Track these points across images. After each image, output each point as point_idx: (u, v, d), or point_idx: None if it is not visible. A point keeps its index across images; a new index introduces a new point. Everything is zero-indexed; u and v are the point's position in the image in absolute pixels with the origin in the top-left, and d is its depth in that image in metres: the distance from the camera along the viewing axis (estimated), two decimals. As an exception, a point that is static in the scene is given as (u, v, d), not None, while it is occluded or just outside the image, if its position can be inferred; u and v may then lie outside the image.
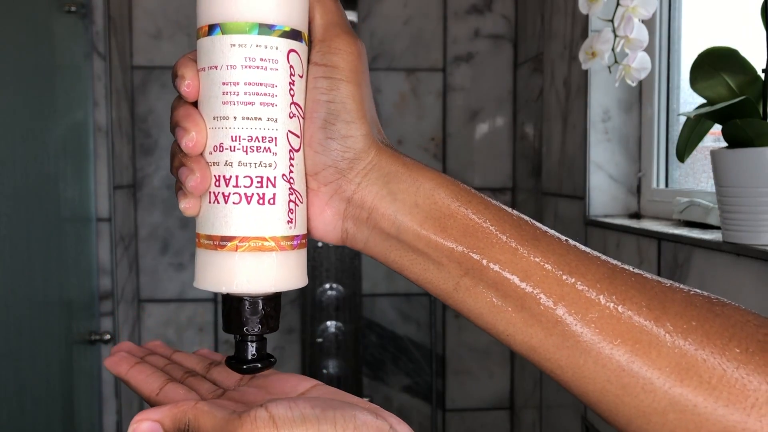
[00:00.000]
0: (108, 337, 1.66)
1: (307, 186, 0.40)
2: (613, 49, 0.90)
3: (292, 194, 0.38)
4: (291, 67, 0.37)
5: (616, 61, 0.92)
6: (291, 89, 0.38)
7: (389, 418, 0.36)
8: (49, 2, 1.46)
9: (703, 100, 0.92)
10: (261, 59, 0.36)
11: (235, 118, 0.37)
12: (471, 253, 0.38)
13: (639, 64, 0.91)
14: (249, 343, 0.39)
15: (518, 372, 2.03)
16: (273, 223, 0.38)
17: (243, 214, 0.37)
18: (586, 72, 1.42)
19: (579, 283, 0.37)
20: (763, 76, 0.84)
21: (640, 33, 0.89)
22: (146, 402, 0.43)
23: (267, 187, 0.37)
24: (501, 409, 2.10)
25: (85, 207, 1.64)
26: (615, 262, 0.39)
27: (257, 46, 0.36)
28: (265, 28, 0.36)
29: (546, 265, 0.38)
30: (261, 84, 0.37)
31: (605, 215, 1.43)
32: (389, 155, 0.41)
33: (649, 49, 1.05)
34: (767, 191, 0.84)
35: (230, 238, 0.37)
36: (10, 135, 1.27)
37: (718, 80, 0.87)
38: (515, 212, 0.40)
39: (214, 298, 1.99)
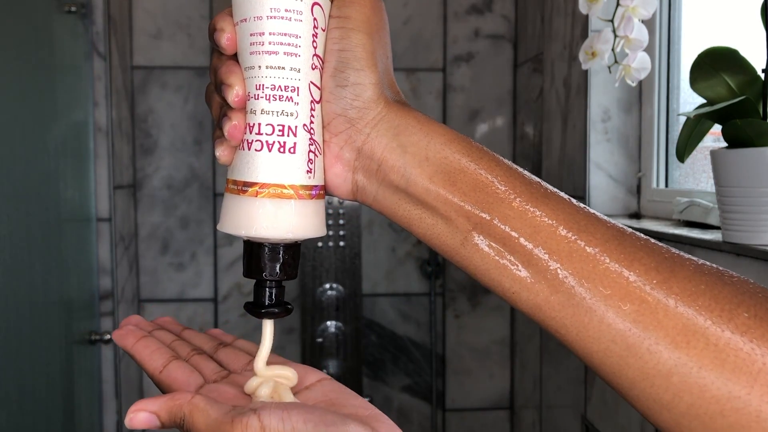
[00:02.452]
0: (108, 337, 1.66)
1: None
2: (613, 49, 0.90)
3: (312, 144, 0.39)
4: (315, 19, 0.38)
5: (616, 61, 0.92)
6: (314, 41, 0.39)
7: (384, 430, 0.36)
8: (49, 2, 1.46)
9: (703, 100, 0.92)
10: (285, 10, 0.38)
11: (260, 67, 0.38)
12: (479, 209, 0.38)
13: (639, 64, 0.91)
14: (267, 288, 0.40)
15: (518, 372, 2.03)
16: (293, 171, 0.38)
17: (264, 161, 0.38)
18: (586, 72, 1.42)
19: (586, 242, 0.37)
20: (762, 76, 0.84)
21: (640, 33, 0.89)
22: (150, 378, 0.43)
23: (288, 136, 0.38)
24: (501, 409, 2.10)
25: (86, 207, 1.64)
26: (624, 226, 0.39)
27: None
28: None
29: (554, 223, 0.37)
30: (285, 34, 0.38)
31: (605, 215, 1.43)
32: (400, 107, 0.40)
33: (649, 49, 1.05)
34: (767, 191, 0.84)
35: (252, 184, 0.38)
36: (10, 135, 1.27)
37: (718, 80, 0.87)
38: (526, 172, 0.39)
39: (214, 298, 1.99)
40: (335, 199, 1.87)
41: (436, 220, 0.39)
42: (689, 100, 1.30)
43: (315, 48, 0.39)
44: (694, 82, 0.90)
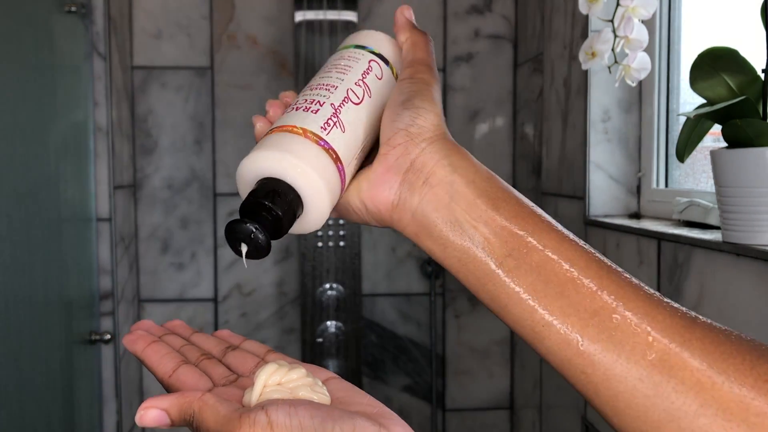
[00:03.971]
0: (108, 337, 1.66)
1: (365, 142, 0.47)
2: (613, 50, 0.90)
3: (334, 117, 0.45)
4: (369, 66, 0.50)
5: (616, 62, 0.92)
6: (364, 75, 0.49)
7: (394, 428, 0.36)
8: (49, 2, 1.46)
9: (702, 100, 0.92)
10: (348, 56, 0.50)
11: (320, 76, 0.49)
12: (519, 231, 0.40)
13: (639, 64, 0.91)
14: (253, 214, 0.41)
15: (518, 372, 2.03)
16: (307, 120, 0.44)
17: (291, 115, 0.45)
18: (586, 72, 1.42)
19: (622, 271, 0.38)
20: (762, 76, 0.84)
21: (639, 33, 0.89)
22: (159, 383, 0.43)
23: (315, 104, 0.45)
24: (501, 409, 2.10)
25: (86, 207, 1.64)
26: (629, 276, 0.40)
27: (351, 49, 0.51)
28: (361, 47, 0.51)
29: (591, 253, 0.39)
30: (340, 63, 0.49)
31: (605, 215, 1.43)
32: (454, 142, 0.45)
33: (649, 50, 1.05)
34: (767, 191, 0.84)
35: (275, 128, 0.44)
36: (11, 135, 1.27)
37: (718, 80, 0.87)
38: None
39: (214, 298, 1.99)
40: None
41: (472, 243, 0.40)
42: (689, 100, 1.30)
43: (362, 78, 0.48)
44: (693, 82, 0.90)
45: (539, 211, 0.42)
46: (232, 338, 0.49)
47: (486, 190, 0.41)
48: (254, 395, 0.39)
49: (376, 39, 0.52)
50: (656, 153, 1.38)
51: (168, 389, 0.43)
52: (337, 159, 0.44)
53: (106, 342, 1.68)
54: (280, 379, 0.39)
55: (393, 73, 0.51)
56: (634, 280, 0.39)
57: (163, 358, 0.44)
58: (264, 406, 0.35)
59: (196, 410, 0.37)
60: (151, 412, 0.37)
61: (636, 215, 1.42)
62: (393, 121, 0.44)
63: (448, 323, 2.06)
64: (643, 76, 0.92)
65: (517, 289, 0.39)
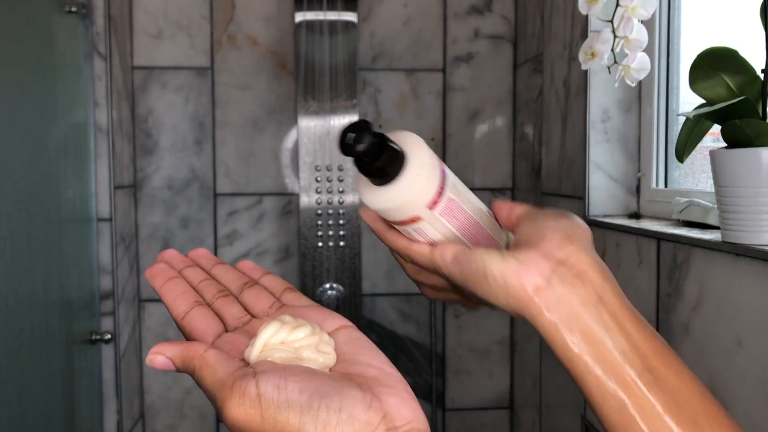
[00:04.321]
0: (108, 336, 1.67)
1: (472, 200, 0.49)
2: (612, 50, 0.90)
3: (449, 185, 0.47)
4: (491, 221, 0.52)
5: (615, 62, 0.92)
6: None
7: (387, 400, 0.37)
8: (49, 3, 1.46)
9: (702, 101, 0.92)
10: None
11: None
12: (657, 353, 0.42)
13: (638, 64, 0.91)
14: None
15: (518, 371, 2.03)
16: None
17: None
18: (585, 72, 1.42)
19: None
20: (762, 76, 0.84)
21: (639, 33, 0.89)
22: (173, 320, 0.45)
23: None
24: (501, 409, 2.10)
25: (86, 207, 1.64)
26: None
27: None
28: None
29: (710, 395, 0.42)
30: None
31: (605, 215, 1.43)
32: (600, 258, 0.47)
33: (649, 50, 1.05)
34: (766, 191, 0.84)
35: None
36: (11, 135, 1.27)
37: (718, 80, 0.88)
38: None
39: (215, 297, 1.99)
40: (335, 199, 1.87)
41: (614, 345, 0.42)
42: (688, 101, 1.30)
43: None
44: (693, 83, 0.90)
45: (668, 345, 0.43)
46: (253, 271, 0.49)
47: (630, 307, 0.43)
48: (253, 354, 0.39)
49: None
50: (656, 153, 1.39)
51: (181, 330, 0.44)
52: (442, 168, 0.46)
53: (107, 342, 1.68)
54: (284, 338, 0.39)
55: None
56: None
57: (177, 298, 0.45)
58: (257, 374, 0.36)
59: (197, 367, 0.38)
60: (159, 358, 0.39)
61: (635, 215, 1.43)
62: (552, 220, 0.46)
63: (448, 323, 2.06)
64: (642, 76, 0.92)
65: (653, 400, 0.41)
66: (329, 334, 0.42)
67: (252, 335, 0.42)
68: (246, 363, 0.39)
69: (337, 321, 0.43)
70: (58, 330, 1.47)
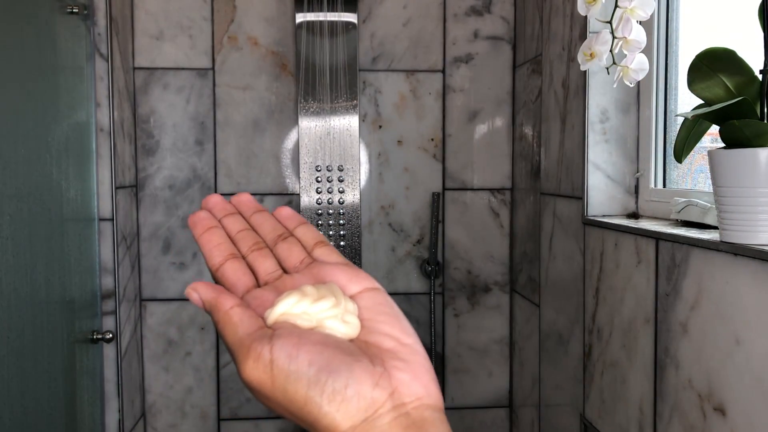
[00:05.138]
0: (110, 336, 1.67)
1: None
2: (611, 50, 0.91)
3: None
4: None
5: (614, 62, 0.93)
6: None
7: (398, 376, 0.37)
8: (51, 3, 1.46)
9: (700, 101, 0.93)
10: None
11: None
12: None
13: (637, 65, 0.92)
14: None
15: (517, 371, 2.03)
16: None
17: None
18: (584, 73, 1.42)
19: None
20: (760, 76, 0.85)
21: (638, 34, 0.89)
22: (209, 270, 0.46)
23: None
24: (500, 408, 2.11)
25: (88, 207, 1.65)
26: None
27: None
28: None
29: None
30: None
31: (603, 215, 1.44)
32: None
33: (647, 51, 1.06)
34: (764, 191, 0.85)
35: None
36: (13, 135, 1.28)
37: (716, 81, 0.88)
38: None
39: (215, 297, 2.00)
40: (335, 199, 1.88)
41: None
42: (687, 101, 1.31)
43: None
44: (691, 83, 0.90)
45: None
46: (289, 220, 0.49)
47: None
48: (270, 321, 0.40)
49: None
50: (654, 153, 1.39)
51: (215, 279, 0.45)
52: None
53: (108, 341, 1.68)
54: (306, 309, 0.40)
55: None
56: None
57: (214, 249, 0.46)
58: (273, 338, 0.37)
59: (221, 320, 0.40)
60: (194, 294, 0.42)
61: (634, 215, 1.43)
62: None
63: (447, 322, 2.07)
64: (641, 76, 0.93)
65: None
66: (353, 297, 0.42)
67: (280, 292, 0.43)
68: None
69: (363, 282, 0.43)
70: (59, 329, 1.47)
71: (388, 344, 0.39)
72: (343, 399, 0.36)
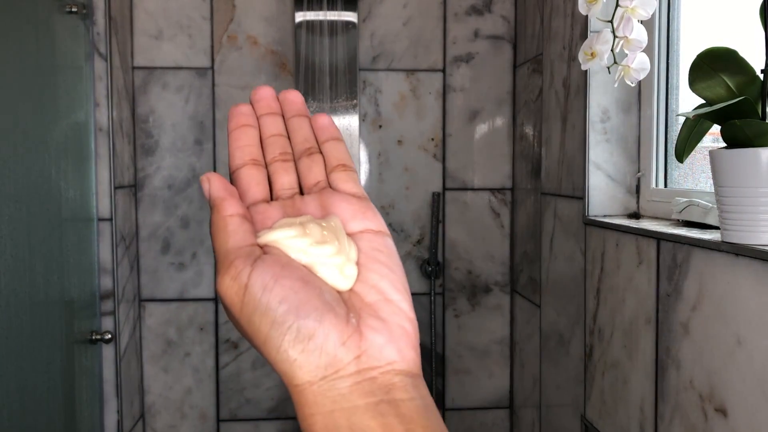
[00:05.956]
0: (109, 336, 1.67)
1: None
2: (612, 50, 0.90)
3: None
4: None
5: (615, 62, 0.92)
6: None
7: (371, 338, 0.34)
8: (50, 3, 1.46)
9: (701, 101, 0.92)
10: None
11: None
12: None
13: (638, 64, 0.92)
14: None
15: (518, 371, 2.03)
16: None
17: None
18: (585, 72, 1.42)
19: None
20: (761, 76, 0.84)
21: (639, 34, 0.89)
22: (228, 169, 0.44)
23: None
24: (500, 408, 2.10)
25: (86, 207, 1.65)
26: None
27: None
28: None
29: None
30: None
31: (604, 215, 1.43)
32: None
33: (648, 50, 1.05)
34: (766, 191, 0.84)
35: None
36: (12, 135, 1.27)
37: (717, 81, 0.88)
38: None
39: (215, 297, 2.00)
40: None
41: None
42: (688, 101, 1.30)
43: None
44: (693, 83, 0.90)
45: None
46: (322, 131, 0.45)
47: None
48: (260, 240, 0.38)
49: None
50: (655, 153, 1.39)
51: (231, 180, 0.43)
52: None
53: (107, 341, 1.68)
54: (304, 248, 0.37)
55: None
56: None
57: (237, 150, 0.43)
58: (257, 261, 0.35)
59: (216, 224, 0.38)
60: (205, 185, 0.39)
61: (635, 215, 1.43)
62: None
63: (447, 323, 2.07)
64: (642, 76, 0.92)
65: None
66: (352, 235, 0.40)
67: (287, 213, 0.41)
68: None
69: (367, 222, 0.40)
70: (58, 330, 1.47)
71: (372, 298, 0.37)
72: (303, 349, 0.33)
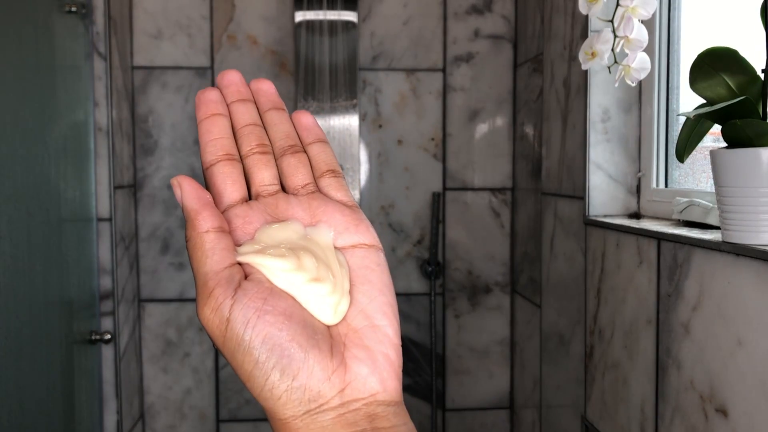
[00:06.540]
0: (108, 336, 1.67)
1: None
2: (612, 50, 0.90)
3: None
4: None
5: (615, 62, 0.92)
6: None
7: (355, 369, 0.33)
8: (49, 2, 1.46)
9: (702, 101, 0.92)
10: None
11: None
12: None
13: (639, 64, 0.91)
14: None
15: (518, 372, 2.03)
16: None
17: None
18: (585, 72, 1.42)
19: None
20: (762, 76, 0.84)
21: (639, 33, 0.89)
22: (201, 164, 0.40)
23: None
24: (501, 409, 2.10)
25: (86, 207, 1.64)
26: None
27: None
28: None
29: None
30: None
31: (605, 215, 1.43)
32: None
33: (649, 50, 1.05)
34: (766, 191, 0.84)
35: None
36: (11, 135, 1.27)
37: (718, 80, 0.88)
38: None
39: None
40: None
41: None
42: (689, 100, 1.30)
43: None
44: (693, 83, 0.90)
45: None
46: (307, 132, 0.42)
47: None
48: (241, 259, 0.35)
49: None
50: (656, 153, 1.39)
51: (204, 179, 0.40)
52: None
53: (107, 342, 1.68)
54: (298, 283, 0.35)
55: None
56: None
57: (210, 143, 0.39)
58: (238, 292, 0.33)
59: (192, 240, 0.35)
60: (177, 191, 0.36)
61: (636, 215, 1.43)
62: None
63: (448, 323, 2.06)
64: (642, 76, 0.92)
65: None
66: (342, 249, 0.37)
67: (270, 213, 0.38)
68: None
69: (359, 236, 0.38)
70: (57, 330, 1.47)
71: (359, 323, 0.36)
72: (287, 388, 0.33)
